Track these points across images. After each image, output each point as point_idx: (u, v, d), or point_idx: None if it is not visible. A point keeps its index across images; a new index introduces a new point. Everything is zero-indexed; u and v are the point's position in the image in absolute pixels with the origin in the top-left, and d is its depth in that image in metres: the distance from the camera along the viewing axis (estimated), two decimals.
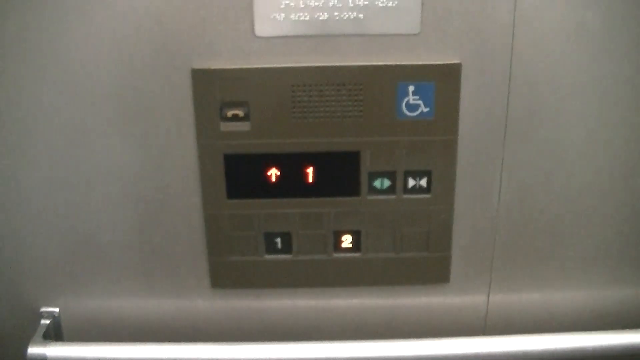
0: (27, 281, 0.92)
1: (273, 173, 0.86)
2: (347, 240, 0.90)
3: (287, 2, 0.78)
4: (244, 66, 0.81)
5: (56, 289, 0.93)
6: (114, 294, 0.93)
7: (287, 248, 0.90)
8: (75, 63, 0.81)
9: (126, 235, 0.90)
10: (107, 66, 0.81)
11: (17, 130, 0.84)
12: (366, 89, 0.82)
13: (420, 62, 0.81)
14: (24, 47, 0.80)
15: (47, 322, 0.93)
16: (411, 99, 0.82)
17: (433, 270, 0.91)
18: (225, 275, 0.92)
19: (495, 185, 0.87)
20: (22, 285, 0.93)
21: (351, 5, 0.78)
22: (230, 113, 0.83)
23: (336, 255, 0.90)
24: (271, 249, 0.90)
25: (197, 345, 0.87)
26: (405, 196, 0.87)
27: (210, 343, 0.88)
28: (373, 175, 0.86)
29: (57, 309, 0.94)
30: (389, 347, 0.87)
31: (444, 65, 0.81)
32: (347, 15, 0.79)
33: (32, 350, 0.87)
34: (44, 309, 0.93)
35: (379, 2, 0.78)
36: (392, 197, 0.87)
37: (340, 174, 0.86)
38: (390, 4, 0.78)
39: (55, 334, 0.93)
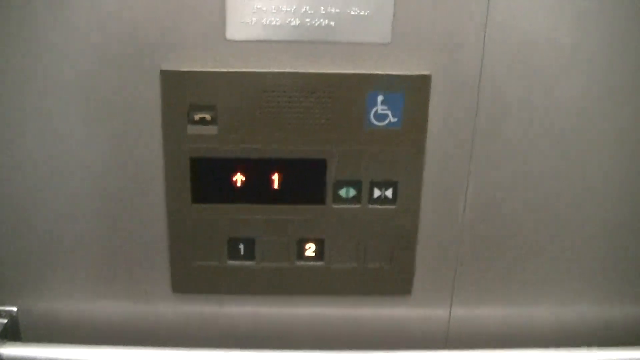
0: None
1: (239, 178, 0.85)
2: (310, 249, 0.89)
3: (259, 6, 0.78)
4: (214, 69, 0.80)
5: (14, 288, 0.92)
6: (74, 295, 0.92)
7: (250, 254, 0.89)
8: (45, 60, 0.80)
9: (88, 236, 0.89)
10: (77, 64, 0.80)
11: None
12: (335, 97, 0.81)
13: (390, 72, 0.81)
14: None
15: (4, 321, 0.92)
16: (380, 108, 0.82)
17: (396, 281, 0.91)
18: (188, 280, 0.91)
19: (461, 198, 0.87)
20: None
21: (323, 12, 0.78)
22: (197, 116, 0.82)
23: (299, 263, 0.90)
24: (234, 255, 0.90)
25: (156, 349, 0.86)
26: (371, 206, 0.87)
27: (170, 348, 0.87)
28: (339, 184, 0.86)
29: (14, 308, 0.93)
30: (350, 357, 0.87)
31: (413, 76, 0.81)
32: (318, 22, 0.79)
33: None
34: (1, 308, 0.92)
35: (351, 11, 0.78)
36: (357, 206, 0.87)
37: (306, 181, 0.86)
38: (362, 13, 0.78)
39: (12, 334, 0.92)
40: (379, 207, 0.87)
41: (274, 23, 0.79)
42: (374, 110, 0.82)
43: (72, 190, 0.86)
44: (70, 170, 0.85)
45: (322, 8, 0.78)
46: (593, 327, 0.95)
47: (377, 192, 0.86)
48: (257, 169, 0.85)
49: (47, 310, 0.93)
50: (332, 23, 0.79)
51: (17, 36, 0.79)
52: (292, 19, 0.78)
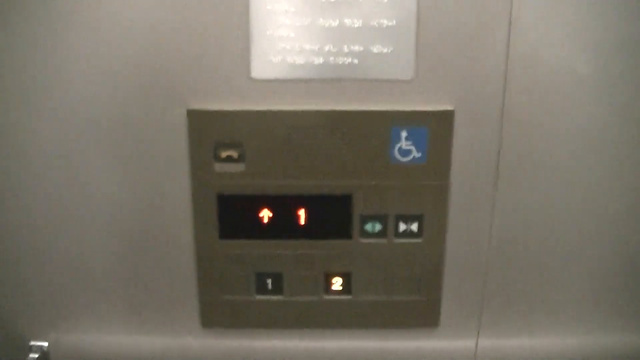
0: (17, 314, 0.92)
1: (266, 214, 0.86)
2: (337, 283, 0.89)
3: (283, 45, 0.79)
4: (239, 108, 0.81)
5: (45, 322, 0.92)
6: (103, 329, 0.93)
7: (278, 289, 0.90)
8: (72, 99, 0.81)
9: (118, 272, 0.90)
10: (104, 103, 0.81)
11: (8, 160, 0.84)
12: (360, 134, 0.82)
13: (413, 108, 0.81)
14: (21, 79, 0.80)
15: (36, 356, 0.92)
16: (404, 144, 0.82)
17: (423, 313, 0.91)
18: (216, 314, 0.91)
19: (486, 230, 0.87)
20: (11, 318, 0.92)
21: (346, 50, 0.79)
22: (224, 154, 0.83)
23: (327, 297, 0.90)
24: (262, 289, 0.90)
25: None
26: (397, 240, 0.87)
27: None
28: (365, 219, 0.86)
29: (46, 343, 0.93)
30: None
31: (437, 111, 0.81)
32: (342, 60, 0.79)
33: None
34: (33, 343, 0.93)
35: (374, 48, 0.79)
36: (384, 240, 0.87)
37: (333, 216, 0.86)
38: (385, 50, 0.79)
39: None
40: (404, 240, 0.87)
41: (298, 62, 0.79)
42: (398, 145, 0.82)
43: (102, 227, 0.87)
44: (100, 208, 0.86)
45: (345, 47, 0.79)
46: (625, 355, 0.94)
47: (402, 226, 0.87)
48: (284, 205, 0.85)
49: (78, 345, 0.93)
50: (356, 61, 0.79)
51: (43, 76, 0.80)
52: (315, 58, 0.79)
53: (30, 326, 0.93)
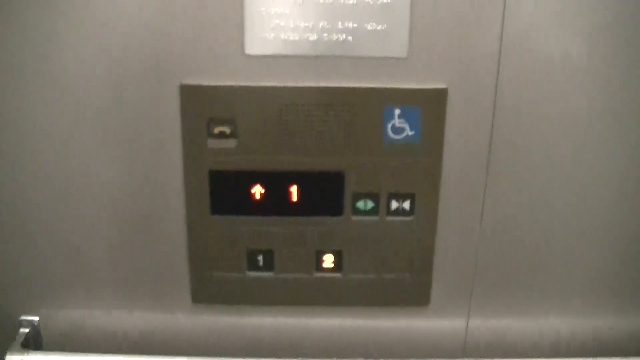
0: (7, 289, 0.92)
1: (258, 191, 0.86)
2: (328, 260, 0.89)
3: (277, 21, 0.78)
4: (233, 84, 0.81)
5: (36, 297, 0.92)
6: (94, 305, 0.93)
7: (269, 266, 0.90)
8: (63, 75, 0.81)
9: (109, 247, 0.89)
10: (95, 79, 0.81)
11: (1, 140, 0.84)
12: (353, 111, 0.82)
13: (407, 86, 0.81)
14: (12, 60, 0.80)
15: (26, 330, 0.92)
16: (397, 122, 0.82)
17: (413, 292, 0.91)
18: (207, 290, 0.91)
19: (478, 209, 0.87)
20: (1, 292, 0.92)
21: (340, 27, 0.79)
22: (217, 130, 0.83)
23: (318, 274, 0.90)
24: (253, 266, 0.90)
25: (176, 359, 0.87)
26: (388, 218, 0.87)
27: (190, 357, 0.87)
28: (357, 196, 0.86)
29: (36, 318, 0.93)
30: None
31: (430, 90, 0.81)
32: (336, 37, 0.79)
33: (10, 358, 0.87)
34: (23, 318, 0.93)
35: (368, 25, 0.79)
36: (375, 218, 0.87)
37: (325, 193, 0.86)
38: (379, 27, 0.79)
39: (34, 343, 0.92)
40: (396, 219, 0.87)
41: (292, 38, 0.79)
42: (391, 123, 0.82)
43: (93, 202, 0.87)
44: (91, 184, 0.86)
45: (340, 23, 0.78)
46: (612, 338, 0.95)
47: (394, 204, 0.86)
48: (276, 181, 0.85)
49: (68, 320, 0.93)
50: (350, 38, 0.79)
51: (34, 55, 0.80)
52: (309, 34, 0.79)
53: (20, 301, 0.92)
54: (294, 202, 0.86)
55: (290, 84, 0.81)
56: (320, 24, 0.79)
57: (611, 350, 0.94)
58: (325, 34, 0.79)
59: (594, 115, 0.83)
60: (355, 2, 0.78)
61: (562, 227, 0.89)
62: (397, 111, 0.82)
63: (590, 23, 0.79)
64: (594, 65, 0.81)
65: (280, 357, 0.88)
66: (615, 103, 0.83)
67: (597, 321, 0.94)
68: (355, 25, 0.79)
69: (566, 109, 0.83)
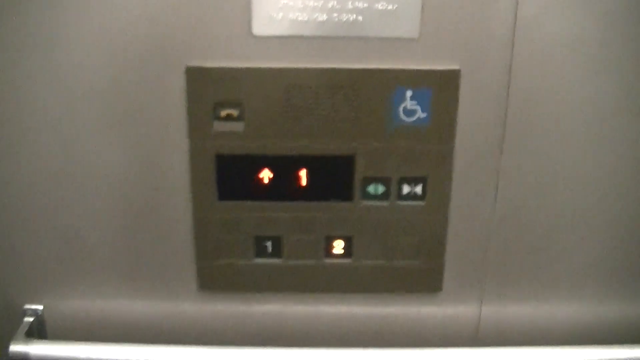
0: (11, 278, 0.91)
1: (265, 175, 0.85)
2: (338, 246, 0.89)
3: (285, 1, 0.77)
4: (240, 65, 0.80)
5: (41, 286, 0.92)
6: (99, 293, 0.92)
7: (277, 252, 0.89)
8: (66, 58, 0.79)
9: (114, 235, 0.89)
10: (99, 62, 0.80)
11: (4, 126, 0.83)
12: (362, 93, 0.81)
13: (418, 67, 0.80)
14: (14, 42, 0.79)
15: (31, 319, 0.92)
16: (408, 104, 0.81)
17: (425, 278, 0.91)
18: (214, 278, 0.90)
19: (491, 195, 0.86)
20: (5, 281, 0.91)
21: (350, 7, 0.77)
22: (224, 113, 0.82)
23: (327, 261, 0.89)
24: (261, 252, 0.89)
25: (183, 347, 0.87)
26: (399, 203, 0.86)
27: (196, 346, 0.87)
28: (367, 181, 0.85)
29: (41, 307, 0.92)
30: (379, 356, 0.87)
31: (442, 71, 0.80)
32: (345, 17, 0.78)
33: (15, 348, 0.86)
34: (27, 307, 0.92)
35: (379, 5, 0.77)
36: (386, 203, 0.86)
37: (334, 178, 0.85)
38: (389, 7, 0.77)
39: (38, 332, 0.92)
40: (407, 203, 0.86)
41: (300, 18, 0.78)
42: (402, 106, 0.81)
43: (97, 189, 0.86)
44: (96, 170, 0.85)
45: (349, 3, 0.77)
46: (627, 323, 0.94)
47: (406, 189, 0.86)
48: (284, 166, 0.84)
49: (73, 309, 0.93)
50: (360, 18, 0.78)
51: (38, 33, 0.78)
52: (318, 14, 0.78)
53: (25, 290, 0.92)
54: (303, 187, 0.85)
55: (299, 65, 0.80)
56: (330, 4, 0.77)
57: (626, 337, 0.94)
58: (334, 14, 0.78)
59: (609, 97, 0.82)
60: None
61: (576, 211, 0.88)
62: (408, 93, 0.81)
63: (606, 3, 0.78)
64: (609, 45, 0.80)
65: (288, 346, 0.87)
66: (631, 84, 0.82)
67: (612, 307, 0.94)
68: (365, 5, 0.77)
69: (581, 90, 0.82)
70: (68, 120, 0.82)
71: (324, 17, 0.78)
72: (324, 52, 0.80)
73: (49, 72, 0.80)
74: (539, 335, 0.94)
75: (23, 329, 0.90)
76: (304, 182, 0.85)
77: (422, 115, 0.82)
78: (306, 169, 0.84)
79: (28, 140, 0.83)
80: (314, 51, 0.79)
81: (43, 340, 0.89)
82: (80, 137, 0.83)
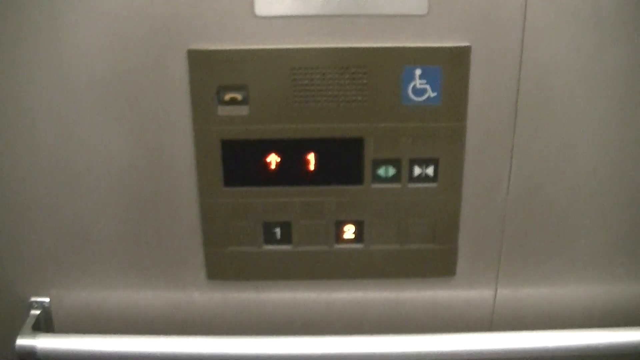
0: (16, 270, 0.91)
1: (272, 160, 0.84)
2: (349, 231, 0.88)
3: None
4: (243, 47, 0.79)
5: (47, 278, 0.91)
6: (106, 284, 0.92)
7: (286, 238, 0.88)
8: (66, 45, 0.79)
9: (119, 225, 0.88)
10: (100, 48, 0.79)
11: (6, 117, 0.82)
12: (370, 72, 0.79)
13: (427, 45, 0.79)
14: (14, 32, 0.78)
15: (37, 312, 0.91)
16: (418, 83, 0.80)
17: (439, 262, 0.90)
18: (222, 266, 0.90)
19: (505, 174, 0.85)
20: (11, 274, 0.91)
21: None
22: (228, 96, 0.81)
23: (338, 246, 0.89)
24: (270, 239, 0.88)
25: (192, 338, 0.86)
26: (411, 185, 0.85)
27: (206, 336, 0.86)
28: (377, 163, 0.84)
29: (47, 299, 0.92)
30: (393, 342, 0.86)
31: (452, 48, 0.79)
32: None
33: (21, 341, 0.86)
34: (33, 299, 0.92)
35: None
36: (397, 186, 0.85)
37: (343, 161, 0.84)
38: None
39: (45, 325, 0.92)
40: (419, 185, 0.85)
41: None
42: (411, 85, 0.80)
43: (101, 177, 0.85)
44: (100, 160, 0.84)
45: None
46: None
47: (417, 171, 0.85)
48: (292, 150, 0.83)
49: (80, 301, 0.93)
50: None
51: (36, 23, 0.78)
52: None
53: (31, 282, 0.92)
54: (311, 171, 0.84)
55: (304, 45, 0.79)
56: None
57: None
58: None
59: (624, 70, 0.81)
60: None
61: (593, 191, 0.87)
62: (417, 71, 0.80)
63: None
64: (623, 20, 0.78)
65: (300, 334, 0.87)
66: None
67: (629, 290, 0.93)
68: None
69: (595, 64, 0.80)
70: (70, 109, 0.82)
71: None
72: (330, 31, 0.78)
73: (49, 61, 0.79)
74: (555, 319, 0.93)
75: (30, 322, 0.90)
76: (312, 166, 0.84)
77: (433, 94, 0.80)
78: (314, 153, 0.84)
79: (29, 130, 0.83)
80: (319, 30, 0.78)
81: (50, 334, 0.89)
82: (83, 125, 0.82)
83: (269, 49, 0.78)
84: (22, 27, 0.78)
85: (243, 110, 0.81)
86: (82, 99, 0.81)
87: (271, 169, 0.84)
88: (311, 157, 0.84)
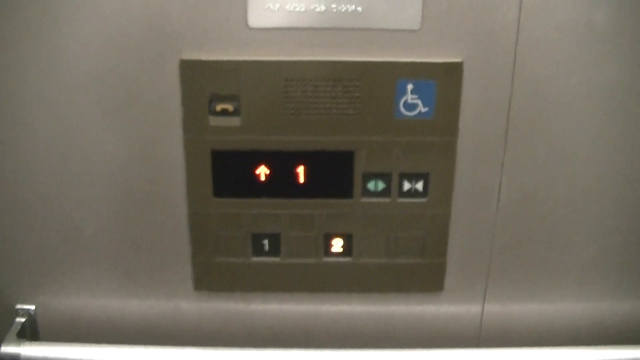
0: (3, 277, 0.90)
1: (263, 171, 0.84)
2: (338, 244, 0.88)
3: None
4: (236, 58, 0.78)
5: (33, 285, 0.91)
6: (93, 293, 0.91)
7: (275, 250, 0.88)
8: (61, 50, 0.78)
9: (107, 232, 0.88)
10: (93, 55, 0.79)
11: None
12: (363, 86, 0.79)
13: (420, 60, 0.79)
14: (8, 34, 0.78)
15: (22, 320, 0.91)
16: (410, 97, 0.80)
17: (427, 277, 0.90)
18: (210, 277, 0.90)
19: (495, 190, 0.85)
20: None
21: None
22: (219, 107, 0.80)
23: (326, 259, 0.88)
24: (258, 250, 0.88)
25: (178, 349, 0.86)
26: (401, 200, 0.85)
27: (192, 347, 0.86)
28: (367, 177, 0.84)
29: (33, 307, 0.92)
30: (380, 356, 0.86)
31: (445, 63, 0.79)
32: (345, 8, 0.76)
33: (6, 349, 0.86)
34: (19, 306, 0.92)
35: None
36: (387, 200, 0.85)
37: (333, 174, 0.84)
38: None
39: (30, 333, 0.92)
40: (409, 200, 0.85)
41: (298, 9, 0.77)
42: (403, 99, 0.80)
43: (90, 186, 0.85)
44: (87, 165, 0.84)
45: None
46: (631, 324, 0.93)
47: (407, 185, 0.84)
48: (282, 162, 0.83)
49: (66, 309, 0.92)
50: (359, 8, 0.77)
51: (33, 25, 0.77)
52: (317, 5, 0.76)
53: (17, 289, 0.91)
54: (301, 184, 0.84)
55: (297, 58, 0.79)
56: None
57: (631, 335, 0.93)
58: (333, 5, 0.77)
59: (615, 88, 0.81)
60: None
61: (582, 207, 0.87)
62: (409, 86, 0.79)
63: None
64: (616, 35, 0.79)
65: (287, 347, 0.87)
66: (637, 73, 0.80)
67: (618, 307, 0.93)
68: None
69: (587, 82, 0.80)
70: (62, 114, 0.81)
71: (322, 7, 0.76)
72: (323, 44, 0.78)
73: (41, 66, 0.79)
74: (543, 336, 0.93)
75: (15, 329, 0.89)
76: (302, 178, 0.84)
77: (424, 108, 0.80)
78: (304, 165, 0.83)
79: (19, 133, 0.82)
80: (312, 43, 0.78)
81: (35, 342, 0.88)
82: (74, 132, 0.82)
83: (261, 61, 0.78)
84: (16, 32, 0.77)
85: (234, 121, 0.81)
86: (74, 107, 0.81)
87: (261, 181, 0.84)
88: (301, 169, 0.83)
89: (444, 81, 0.79)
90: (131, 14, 0.77)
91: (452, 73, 0.79)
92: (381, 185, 0.84)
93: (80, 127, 0.82)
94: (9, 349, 0.85)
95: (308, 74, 0.79)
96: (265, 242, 0.87)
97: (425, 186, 0.84)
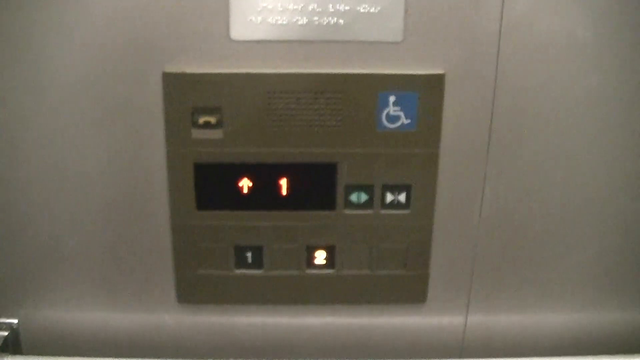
0: None
1: (245, 184, 0.83)
2: (320, 256, 0.87)
3: (264, 4, 0.76)
4: (218, 71, 0.78)
5: (15, 299, 0.90)
6: (76, 306, 0.91)
7: (258, 263, 0.88)
8: (45, 63, 0.78)
9: (90, 245, 0.87)
10: (76, 67, 0.78)
11: None
12: (345, 98, 0.79)
13: (402, 72, 0.79)
14: None
15: (5, 334, 0.90)
16: (392, 109, 0.80)
17: (410, 289, 0.89)
18: (193, 289, 0.89)
19: (477, 201, 0.85)
20: None
21: (331, 10, 0.76)
22: (202, 120, 0.80)
23: (309, 271, 0.88)
24: (241, 263, 0.88)
25: None
26: (383, 211, 0.85)
27: None
28: (350, 189, 0.84)
29: (15, 320, 0.91)
30: None
31: (427, 75, 0.79)
32: (327, 21, 0.77)
33: None
34: (1, 320, 0.91)
35: (361, 8, 0.76)
36: (369, 212, 0.85)
37: (316, 186, 0.84)
38: (372, 10, 0.76)
39: (13, 347, 0.91)
40: (391, 212, 0.85)
41: (280, 22, 0.77)
42: (385, 111, 0.80)
43: (73, 198, 0.85)
44: (70, 177, 0.83)
45: (331, 6, 0.76)
46: (612, 334, 0.94)
47: (389, 197, 0.84)
48: (265, 174, 0.83)
49: (49, 322, 0.92)
50: (341, 21, 0.77)
51: (16, 38, 0.77)
52: (299, 18, 0.77)
53: None
54: (284, 196, 0.84)
55: (279, 70, 0.79)
56: (310, 7, 0.76)
57: (613, 347, 0.93)
58: (315, 18, 0.77)
59: (598, 99, 0.81)
60: None
61: (565, 218, 0.87)
62: (391, 98, 0.80)
63: (594, 3, 0.77)
64: (598, 46, 0.79)
65: (271, 359, 0.87)
66: (621, 85, 0.81)
67: (599, 317, 0.93)
68: (347, 7, 0.76)
69: (569, 92, 0.81)
70: (43, 127, 0.81)
71: (304, 20, 0.77)
72: (305, 57, 0.78)
73: (23, 78, 0.79)
74: (527, 346, 0.93)
75: None
76: (285, 190, 0.84)
77: (407, 120, 0.80)
78: (287, 178, 0.83)
79: (2, 144, 0.82)
80: (295, 56, 0.78)
81: (18, 356, 0.88)
82: (56, 145, 0.82)
83: (244, 73, 0.78)
84: (5, 40, 0.77)
85: (217, 134, 0.81)
86: (55, 120, 0.80)
87: (244, 193, 0.84)
88: (284, 181, 0.83)
89: (426, 93, 0.80)
90: (114, 26, 0.77)
91: (434, 85, 0.79)
92: (364, 197, 0.84)
93: (62, 141, 0.82)
94: None
95: (290, 86, 0.79)
96: (249, 254, 0.87)
97: (407, 198, 0.84)
